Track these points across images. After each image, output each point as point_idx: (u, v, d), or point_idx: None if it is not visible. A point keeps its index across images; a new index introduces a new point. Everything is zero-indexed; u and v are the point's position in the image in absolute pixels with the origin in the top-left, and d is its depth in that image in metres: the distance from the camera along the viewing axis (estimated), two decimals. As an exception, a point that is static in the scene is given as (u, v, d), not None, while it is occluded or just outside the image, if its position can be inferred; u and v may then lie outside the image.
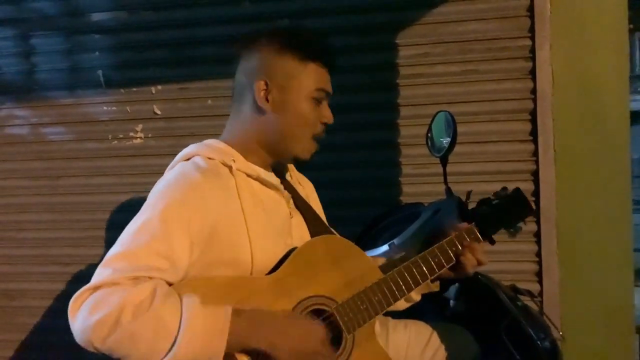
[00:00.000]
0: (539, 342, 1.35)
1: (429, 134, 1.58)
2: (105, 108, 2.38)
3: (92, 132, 2.39)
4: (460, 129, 1.56)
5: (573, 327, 2.02)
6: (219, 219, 1.06)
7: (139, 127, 2.35)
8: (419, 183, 2.16)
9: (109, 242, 2.44)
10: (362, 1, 2.17)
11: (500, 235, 2.08)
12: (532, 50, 2.05)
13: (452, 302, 1.48)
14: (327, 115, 1.20)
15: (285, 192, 1.23)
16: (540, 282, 2.08)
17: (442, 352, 1.32)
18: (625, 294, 2.07)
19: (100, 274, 0.97)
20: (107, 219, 2.39)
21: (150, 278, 0.96)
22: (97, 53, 2.37)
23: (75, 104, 2.40)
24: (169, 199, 1.04)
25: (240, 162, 1.15)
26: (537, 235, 2.07)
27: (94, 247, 2.40)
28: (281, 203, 1.20)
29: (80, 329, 0.92)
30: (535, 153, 2.07)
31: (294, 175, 1.34)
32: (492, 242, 1.33)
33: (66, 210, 2.43)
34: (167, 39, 2.30)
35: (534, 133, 2.07)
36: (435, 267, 1.22)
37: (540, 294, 2.07)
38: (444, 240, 1.24)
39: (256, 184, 1.16)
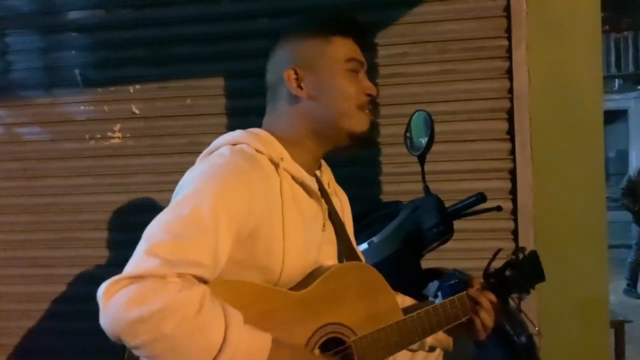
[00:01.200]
0: (515, 337, 1.37)
1: (408, 133, 1.60)
2: (82, 107, 2.35)
3: (69, 132, 2.36)
4: (438, 128, 1.58)
5: (549, 322, 2.06)
6: (262, 218, 1.01)
7: (117, 126, 2.33)
8: (399, 182, 2.17)
9: (88, 243, 2.43)
10: (341, 1, 2.17)
11: (477, 233, 2.12)
12: (509, 50, 2.08)
13: (430, 300, 1.49)
14: (368, 86, 1.13)
15: (323, 201, 1.16)
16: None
17: (436, 351, 1.32)
18: (600, 288, 2.11)
19: (144, 262, 0.88)
20: (85, 220, 2.36)
21: (195, 277, 0.91)
22: (74, 52, 2.34)
23: (52, 104, 2.37)
24: (219, 187, 0.97)
25: (287, 162, 1.09)
26: (515, 232, 2.11)
27: (72, 248, 2.37)
28: (318, 214, 1.15)
29: (113, 318, 0.85)
30: (512, 151, 2.11)
31: (332, 185, 1.27)
32: (507, 304, 1.32)
33: (43, 212, 2.39)
34: (145, 37, 2.29)
35: (510, 132, 2.11)
36: (452, 317, 1.20)
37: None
38: (465, 293, 1.22)
39: (298, 188, 1.10)
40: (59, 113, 2.37)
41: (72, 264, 2.37)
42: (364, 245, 1.54)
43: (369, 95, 1.13)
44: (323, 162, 1.25)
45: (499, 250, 1.30)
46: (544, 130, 2.09)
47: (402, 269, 1.53)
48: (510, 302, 1.54)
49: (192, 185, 0.98)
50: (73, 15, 2.34)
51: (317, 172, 1.21)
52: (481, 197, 1.54)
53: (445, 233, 1.54)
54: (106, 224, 2.35)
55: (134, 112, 2.31)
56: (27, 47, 2.37)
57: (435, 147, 1.56)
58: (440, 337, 1.27)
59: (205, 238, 0.92)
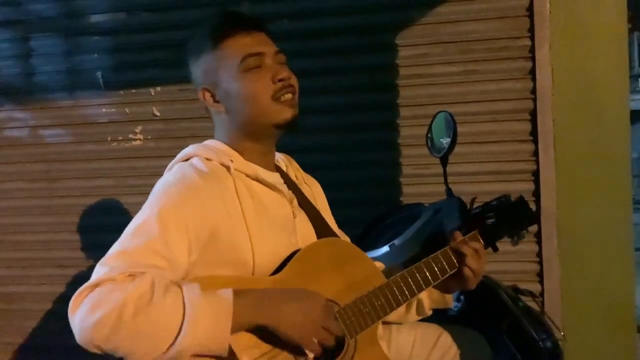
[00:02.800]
0: (540, 343, 1.34)
1: (429, 135, 1.58)
2: (104, 110, 2.37)
3: (91, 134, 2.39)
4: (460, 129, 1.55)
5: (574, 327, 2.02)
6: (219, 220, 1.05)
7: (138, 128, 2.35)
8: (420, 183, 2.15)
9: (108, 245, 2.42)
10: (361, 2, 2.16)
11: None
12: (532, 50, 2.05)
13: (453, 303, 1.47)
14: (274, 73, 1.13)
15: (288, 191, 1.21)
16: (541, 282, 2.08)
17: (451, 354, 1.31)
18: (627, 293, 2.06)
19: (97, 272, 0.96)
20: (106, 221, 2.38)
21: (145, 273, 0.95)
22: (96, 55, 2.37)
23: (74, 106, 2.40)
24: (166, 199, 1.04)
25: (238, 162, 1.14)
26: (538, 235, 2.07)
27: (93, 249, 2.39)
28: (283, 203, 1.18)
29: (81, 329, 0.91)
30: (536, 153, 2.07)
31: (300, 175, 1.32)
32: (496, 249, 1.33)
33: (65, 213, 2.42)
34: (166, 40, 2.30)
35: (534, 133, 2.07)
36: (438, 272, 1.21)
37: (542, 294, 2.07)
38: (447, 246, 1.23)
39: (256, 184, 1.15)
40: (80, 115, 2.39)
41: (93, 265, 2.38)
42: (385, 248, 1.52)
43: (280, 80, 1.14)
44: (286, 156, 1.32)
45: (474, 198, 1.36)
46: (568, 131, 2.06)
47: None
48: (534, 305, 1.52)
49: (144, 204, 1.06)
50: (95, 18, 2.36)
51: (283, 167, 1.27)
52: (505, 200, 1.51)
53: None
54: (126, 225, 2.36)
55: (154, 114, 2.33)
56: (49, 50, 2.40)
57: (456, 149, 1.54)
58: (435, 297, 1.29)
59: (153, 243, 0.98)
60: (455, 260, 1.23)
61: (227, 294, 0.96)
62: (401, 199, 2.17)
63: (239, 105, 1.14)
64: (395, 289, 1.16)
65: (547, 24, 2.03)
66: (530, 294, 1.51)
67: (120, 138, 2.36)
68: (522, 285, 1.59)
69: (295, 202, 1.21)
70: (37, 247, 2.45)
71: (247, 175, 1.14)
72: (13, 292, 2.48)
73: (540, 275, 2.08)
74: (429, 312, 1.30)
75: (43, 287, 2.45)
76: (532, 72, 2.05)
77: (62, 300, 2.43)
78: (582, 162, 2.07)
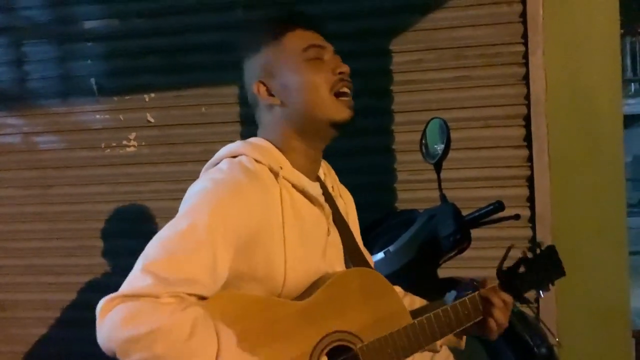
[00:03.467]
0: (535, 348, 1.35)
1: (423, 141, 1.58)
2: (98, 116, 2.37)
3: (84, 140, 2.38)
4: (454, 135, 1.56)
5: (569, 332, 2.02)
6: (261, 230, 1.01)
7: (132, 135, 2.34)
8: (414, 189, 2.15)
9: (103, 251, 2.44)
10: (356, 8, 2.17)
11: (495, 241, 2.10)
12: (525, 56, 2.06)
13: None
14: (335, 65, 1.11)
15: (327, 207, 1.15)
16: (536, 287, 2.07)
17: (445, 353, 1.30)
18: (621, 298, 2.07)
19: (138, 281, 0.90)
20: (100, 228, 2.37)
21: (191, 295, 0.91)
22: (89, 61, 2.36)
23: (67, 112, 2.39)
24: (216, 203, 0.98)
25: (287, 170, 1.09)
26: (533, 240, 2.07)
27: (87, 256, 2.38)
28: (321, 220, 1.14)
29: (107, 336, 0.88)
30: (530, 158, 2.08)
31: (336, 187, 1.27)
32: (524, 301, 1.28)
33: (58, 220, 2.41)
34: (160, 46, 2.30)
35: (528, 139, 2.08)
36: (463, 318, 1.17)
37: (537, 299, 2.06)
38: (477, 293, 1.19)
39: (299, 196, 1.10)
40: (74, 122, 2.38)
41: (88, 271, 2.38)
42: (380, 254, 1.53)
43: (340, 73, 1.11)
44: (326, 163, 1.26)
45: (511, 246, 1.27)
46: (562, 136, 2.06)
47: (419, 278, 1.51)
48: (529, 311, 1.52)
49: (190, 202, 1.00)
50: (88, 25, 2.36)
51: (321, 176, 1.21)
52: (499, 206, 1.51)
53: (462, 242, 1.52)
54: (121, 232, 2.36)
55: (149, 121, 2.33)
56: (43, 56, 2.40)
57: (451, 154, 1.54)
58: (450, 337, 1.24)
59: (201, 254, 0.93)
60: (481, 308, 1.19)
61: None
62: (396, 204, 2.18)
63: (296, 96, 1.10)
64: (419, 331, 1.12)
65: (540, 30, 2.04)
66: (525, 300, 1.51)
67: (114, 144, 2.35)
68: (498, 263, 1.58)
69: (330, 217, 1.16)
70: (30, 254, 2.44)
71: (294, 186, 1.09)
72: (5, 300, 2.46)
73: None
74: (440, 350, 1.27)
75: (36, 295, 2.43)
76: (526, 78, 2.06)
77: (56, 308, 2.41)
78: (576, 167, 2.07)
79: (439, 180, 1.55)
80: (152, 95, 2.32)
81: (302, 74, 1.10)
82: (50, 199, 2.42)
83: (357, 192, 2.16)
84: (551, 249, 1.30)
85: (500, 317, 1.18)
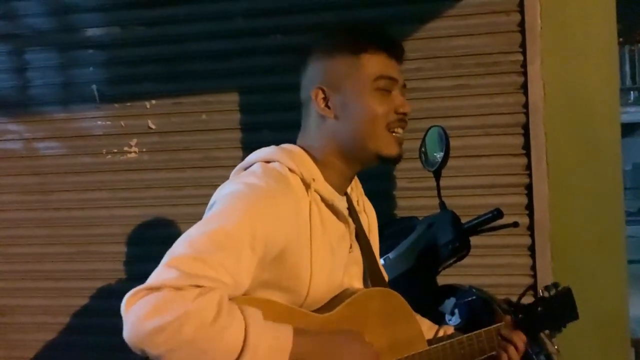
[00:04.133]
0: (534, 356, 1.35)
1: (423, 149, 1.60)
2: (99, 123, 2.38)
3: (86, 146, 2.39)
4: (453, 143, 1.57)
5: (568, 340, 2.00)
6: (289, 241, 1.00)
7: (133, 141, 2.35)
8: (414, 197, 2.16)
9: (102, 257, 2.45)
10: (354, 17, 2.19)
11: (494, 249, 2.10)
12: (524, 65, 2.08)
13: (447, 317, 1.47)
14: (399, 104, 1.09)
15: (351, 222, 1.14)
16: (535, 295, 2.08)
17: None
18: (620, 306, 2.07)
19: (163, 273, 0.89)
20: (100, 234, 2.38)
21: (213, 289, 0.90)
22: (91, 68, 2.38)
23: (69, 119, 2.40)
24: (248, 206, 0.96)
25: (319, 183, 1.07)
26: (532, 248, 2.08)
27: (87, 262, 2.39)
28: (345, 235, 1.12)
29: (134, 329, 0.86)
30: (528, 166, 2.09)
31: (361, 202, 1.25)
32: (536, 341, 1.30)
33: (59, 225, 2.41)
34: (160, 54, 2.31)
35: (526, 147, 2.09)
36: (477, 351, 1.17)
37: (535, 307, 2.07)
38: (494, 327, 1.20)
39: (326, 210, 1.08)
40: (76, 128, 2.40)
41: (88, 277, 2.39)
42: (380, 261, 1.53)
43: (400, 113, 1.09)
44: (355, 177, 1.22)
45: (530, 285, 1.27)
46: (560, 144, 2.08)
47: (418, 286, 1.52)
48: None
49: (221, 204, 0.98)
50: (90, 32, 2.38)
51: (349, 189, 1.19)
52: (498, 213, 1.52)
53: (461, 249, 1.52)
54: (121, 237, 2.36)
55: (149, 127, 2.34)
56: (45, 63, 2.41)
57: (450, 163, 1.56)
58: None
59: (227, 257, 0.92)
60: (496, 344, 1.18)
61: (288, 329, 0.93)
62: (395, 212, 2.18)
63: (353, 119, 1.07)
64: (433, 358, 1.13)
65: (538, 40, 2.06)
66: (537, 340, 1.51)
67: (115, 151, 2.37)
68: (516, 299, 1.59)
69: (354, 234, 1.15)
70: (30, 260, 2.44)
71: (323, 199, 1.08)
72: (4, 305, 2.46)
73: (534, 288, 2.08)
74: None
75: (36, 300, 2.44)
76: (524, 86, 2.08)
77: (55, 313, 2.42)
78: (574, 175, 2.09)
79: (438, 188, 1.56)
80: (153, 102, 2.33)
81: (367, 101, 1.07)
82: (51, 205, 2.42)
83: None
84: (568, 291, 1.29)
85: (515, 356, 1.18)
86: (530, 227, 2.08)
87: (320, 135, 1.10)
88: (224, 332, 0.87)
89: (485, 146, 2.13)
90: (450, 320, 1.47)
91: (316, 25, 2.20)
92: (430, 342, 1.17)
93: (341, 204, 1.12)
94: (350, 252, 1.13)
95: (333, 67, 1.09)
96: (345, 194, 1.17)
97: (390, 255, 1.52)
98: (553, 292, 1.25)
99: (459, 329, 1.38)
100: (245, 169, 1.08)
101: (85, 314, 2.38)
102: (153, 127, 2.34)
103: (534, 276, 2.07)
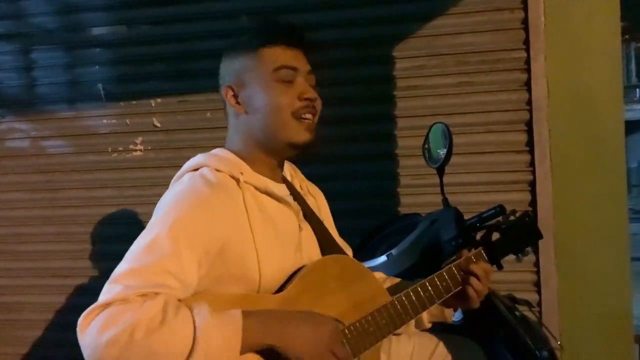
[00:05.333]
0: (537, 352, 1.36)
1: (426, 145, 1.60)
2: (105, 121, 2.40)
3: (92, 144, 2.41)
4: (456, 140, 1.58)
5: (572, 336, 2.03)
6: (228, 235, 1.04)
7: (139, 139, 2.37)
8: (417, 194, 2.17)
9: (109, 255, 2.46)
10: (358, 15, 2.19)
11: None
12: (527, 62, 2.08)
13: (454, 315, 1.48)
14: (303, 90, 1.15)
15: (295, 204, 1.20)
16: (539, 292, 2.09)
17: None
18: (624, 303, 2.07)
19: (109, 291, 0.94)
20: (106, 232, 2.40)
21: (158, 294, 0.94)
22: (97, 67, 2.40)
23: (75, 117, 2.42)
24: (178, 214, 1.02)
25: (248, 174, 1.13)
26: (535, 245, 2.08)
27: (94, 259, 2.41)
28: (290, 216, 1.17)
29: (91, 347, 0.90)
30: (532, 163, 2.09)
31: (304, 186, 1.31)
32: (500, 267, 1.31)
33: (66, 223, 2.44)
34: (166, 52, 2.33)
35: (530, 144, 2.09)
36: (443, 291, 1.21)
37: (539, 303, 2.08)
38: (452, 264, 1.23)
39: (265, 197, 1.14)
40: (82, 126, 2.42)
41: (95, 274, 2.41)
42: (383, 258, 1.54)
43: (306, 99, 1.15)
44: (291, 165, 1.30)
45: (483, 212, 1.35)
46: (564, 141, 2.08)
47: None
48: (531, 315, 1.53)
49: (154, 216, 1.05)
50: (96, 31, 2.39)
51: (288, 177, 1.25)
52: (501, 210, 1.53)
53: (464, 246, 1.53)
54: (128, 235, 2.36)
55: (155, 125, 2.36)
56: (51, 62, 2.43)
57: (453, 159, 1.56)
58: (434, 312, 1.28)
59: (165, 262, 0.96)
60: (460, 279, 1.22)
61: (236, 314, 0.96)
62: (399, 209, 2.19)
63: (259, 112, 1.14)
64: (399, 307, 1.16)
65: (542, 36, 2.06)
66: (527, 303, 1.53)
67: (120, 149, 2.38)
68: (520, 295, 1.60)
69: (301, 214, 1.20)
70: (37, 257, 2.46)
71: (257, 188, 1.13)
72: (12, 302, 2.49)
73: (537, 285, 2.09)
74: (429, 325, 1.30)
75: (43, 297, 2.46)
76: (528, 83, 2.08)
77: (62, 311, 2.44)
78: (578, 172, 2.09)
79: (442, 185, 1.56)
80: (159, 100, 2.35)
81: (268, 93, 1.13)
82: (58, 203, 2.44)
83: (361, 197, 2.21)
84: (525, 214, 1.33)
85: (479, 285, 1.21)
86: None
87: (238, 132, 1.18)
88: (173, 332, 0.91)
89: (488, 143, 2.13)
90: (454, 316, 1.48)
91: (321, 23, 2.21)
92: (393, 292, 1.19)
93: (280, 190, 1.17)
94: (301, 232, 1.18)
95: (238, 65, 1.16)
96: (286, 182, 1.23)
97: (394, 251, 1.53)
98: (512, 218, 1.30)
99: (460, 325, 1.40)
100: (179, 179, 1.15)
101: (92, 310, 2.40)
102: (158, 125, 2.36)
103: (537, 272, 2.08)
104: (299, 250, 1.16)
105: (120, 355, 0.89)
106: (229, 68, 1.18)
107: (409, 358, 1.32)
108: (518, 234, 1.30)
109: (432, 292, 1.19)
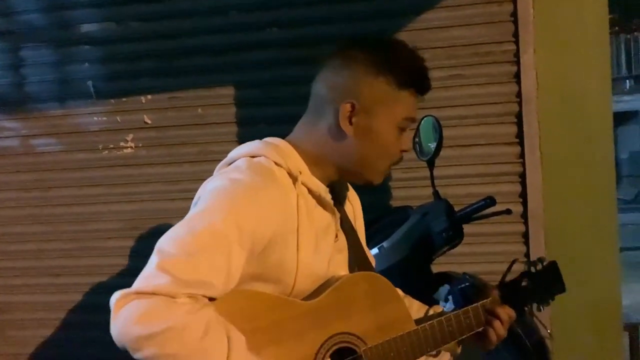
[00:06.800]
0: (527, 340, 1.37)
1: (417, 139, 1.61)
2: (95, 118, 2.39)
3: (82, 142, 2.40)
4: (447, 132, 1.59)
5: (562, 325, 2.05)
6: (275, 235, 1.01)
7: (130, 136, 2.36)
8: (409, 187, 2.18)
9: (101, 253, 2.46)
10: (350, 10, 2.20)
11: (488, 237, 2.12)
12: (517, 55, 2.09)
13: (441, 304, 1.49)
14: (407, 144, 1.13)
15: (336, 211, 1.15)
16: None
17: (447, 357, 1.32)
18: (613, 292, 2.10)
19: (155, 278, 0.89)
20: (98, 229, 2.40)
21: (205, 296, 0.92)
22: (86, 64, 2.39)
23: (65, 115, 2.41)
24: (234, 204, 0.97)
25: (306, 175, 1.07)
26: (525, 236, 2.10)
27: (86, 257, 2.40)
28: (331, 225, 1.14)
29: (121, 330, 0.88)
30: (522, 155, 2.11)
31: (345, 192, 1.26)
32: (523, 316, 1.30)
33: (57, 222, 2.43)
34: (156, 49, 2.32)
35: (519, 136, 2.11)
36: (465, 328, 1.20)
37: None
38: (480, 303, 1.22)
39: (313, 201, 1.09)
40: (72, 124, 2.41)
41: (86, 272, 2.40)
42: (375, 250, 1.55)
43: (403, 151, 1.12)
44: None
45: (515, 260, 1.29)
46: (553, 133, 2.09)
47: (413, 274, 1.54)
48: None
49: (207, 201, 0.99)
50: (85, 28, 2.38)
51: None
52: (490, 201, 1.54)
53: (454, 237, 1.55)
54: (119, 233, 2.38)
55: (146, 122, 2.35)
56: (40, 60, 2.42)
57: (444, 152, 1.58)
58: (448, 344, 1.26)
59: (218, 257, 0.93)
60: (483, 320, 1.21)
61: None
62: (390, 202, 2.20)
63: (369, 146, 1.08)
64: (422, 337, 1.15)
65: (531, 29, 2.07)
66: (524, 314, 1.53)
67: (111, 146, 2.38)
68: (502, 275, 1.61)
69: (339, 223, 1.16)
70: (29, 256, 2.45)
71: (310, 191, 1.08)
72: (4, 302, 2.48)
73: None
74: (434, 352, 1.26)
75: (35, 297, 2.45)
76: (517, 76, 2.09)
77: (54, 309, 2.43)
78: (567, 163, 2.11)
79: (432, 178, 1.58)
80: (149, 97, 2.34)
81: (389, 134, 1.08)
82: (49, 201, 2.44)
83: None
84: (553, 265, 1.31)
85: (501, 330, 1.20)
86: (524, 215, 2.10)
87: (326, 142, 1.09)
88: (207, 353, 0.89)
89: (478, 135, 2.15)
90: (444, 307, 1.49)
91: (311, 18, 2.21)
92: (419, 321, 1.19)
93: (327, 195, 1.13)
94: (335, 241, 1.15)
95: (372, 89, 1.07)
96: (329, 184, 1.18)
97: (385, 244, 1.54)
98: (539, 266, 1.28)
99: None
100: (230, 164, 1.08)
101: (84, 309, 2.39)
102: (149, 122, 2.35)
103: (527, 262, 2.09)
104: (331, 261, 1.14)
105: (147, 352, 0.87)
106: (360, 84, 1.07)
107: None
108: (545, 283, 1.29)
109: (455, 328, 1.19)
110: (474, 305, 1.20)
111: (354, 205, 1.27)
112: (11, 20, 2.42)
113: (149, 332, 0.86)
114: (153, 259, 0.92)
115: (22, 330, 2.46)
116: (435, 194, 1.59)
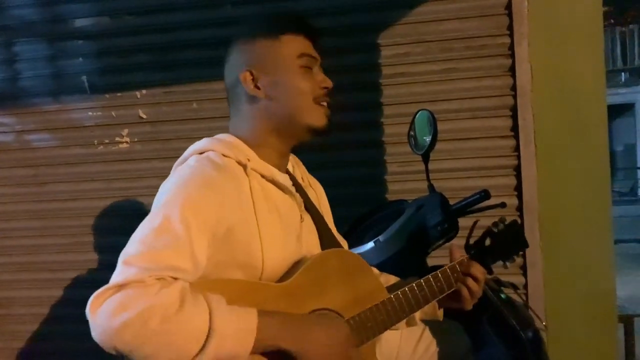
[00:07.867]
0: (521, 332, 1.38)
1: (411, 132, 1.61)
2: (90, 113, 2.38)
3: (77, 137, 2.39)
4: (442, 126, 1.59)
5: (556, 317, 2.06)
6: (234, 219, 1.04)
7: (125, 131, 2.36)
8: (404, 181, 2.19)
9: (97, 247, 2.46)
10: (343, 3, 2.19)
11: (482, 230, 2.13)
12: (511, 48, 2.09)
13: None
14: (323, 79, 1.19)
15: (297, 195, 1.21)
16: (525, 274, 2.12)
17: (434, 347, 1.35)
18: (608, 284, 2.11)
19: (123, 272, 0.93)
20: (94, 224, 2.39)
21: (175, 279, 0.94)
22: (80, 59, 2.38)
23: (60, 110, 2.40)
24: (186, 195, 1.01)
25: (255, 162, 1.13)
26: (521, 228, 2.11)
27: (82, 252, 2.40)
28: (293, 206, 1.18)
29: (102, 328, 0.89)
30: (517, 148, 2.11)
31: (306, 178, 1.32)
32: (491, 272, 1.35)
33: (53, 217, 2.43)
34: (150, 43, 2.31)
35: (514, 129, 2.11)
36: (437, 291, 1.24)
37: (525, 286, 2.11)
38: (446, 266, 1.26)
39: (270, 185, 1.14)
40: (67, 119, 2.40)
41: (83, 268, 2.41)
42: (370, 244, 1.56)
43: (324, 88, 1.19)
44: (294, 157, 1.31)
45: (476, 221, 1.37)
46: (548, 126, 2.10)
47: (408, 267, 1.54)
48: (517, 297, 1.56)
49: (162, 198, 1.04)
50: (79, 23, 2.37)
51: (290, 168, 1.26)
52: (485, 194, 1.55)
53: (449, 231, 1.55)
54: (116, 228, 2.38)
55: (141, 117, 2.35)
56: (34, 55, 2.41)
57: (439, 145, 1.58)
58: (427, 310, 1.31)
59: (179, 244, 0.96)
60: (453, 281, 1.25)
61: (253, 312, 0.96)
62: (386, 196, 2.21)
63: (284, 96, 1.15)
64: (397, 304, 1.18)
65: (525, 22, 2.07)
66: (512, 285, 1.55)
67: (107, 141, 2.37)
68: (507, 278, 1.63)
69: (302, 205, 1.21)
70: (25, 252, 2.45)
71: (263, 176, 1.13)
72: (2, 297, 2.48)
73: (523, 268, 2.12)
74: (419, 323, 1.33)
75: (32, 292, 2.45)
76: (512, 69, 2.10)
77: (52, 304, 2.44)
78: (562, 156, 2.11)
79: (427, 171, 1.58)
80: (144, 91, 2.34)
81: (293, 77, 1.15)
82: (45, 197, 2.43)
83: (348, 184, 2.22)
84: (514, 223, 1.37)
85: (475, 286, 1.25)
86: (519, 208, 2.11)
87: (252, 116, 1.17)
88: (188, 321, 0.90)
89: (473, 129, 2.15)
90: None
91: (303, 11, 2.20)
92: (390, 289, 1.22)
93: (284, 180, 1.19)
94: (302, 222, 1.19)
95: (258, 50, 1.16)
96: (288, 173, 1.24)
97: (381, 238, 1.55)
98: (501, 226, 1.34)
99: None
100: (183, 162, 1.13)
101: (80, 304, 2.37)
102: (144, 116, 2.35)
103: (523, 255, 2.11)
104: (299, 240, 1.17)
105: (132, 341, 0.88)
106: (247, 52, 1.17)
107: (398, 341, 1.35)
108: (507, 241, 1.34)
109: (427, 292, 1.23)
110: (442, 268, 1.26)
111: (316, 190, 1.34)
112: (4, 15, 2.41)
113: (127, 319, 0.87)
114: (119, 261, 0.95)
115: (20, 325, 2.46)
116: (430, 187, 1.59)
